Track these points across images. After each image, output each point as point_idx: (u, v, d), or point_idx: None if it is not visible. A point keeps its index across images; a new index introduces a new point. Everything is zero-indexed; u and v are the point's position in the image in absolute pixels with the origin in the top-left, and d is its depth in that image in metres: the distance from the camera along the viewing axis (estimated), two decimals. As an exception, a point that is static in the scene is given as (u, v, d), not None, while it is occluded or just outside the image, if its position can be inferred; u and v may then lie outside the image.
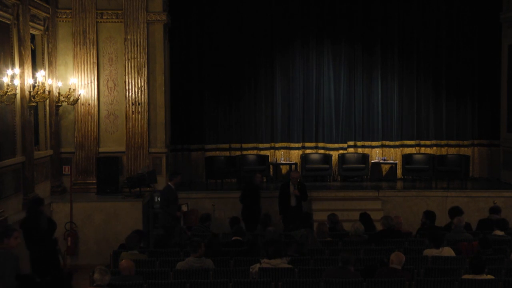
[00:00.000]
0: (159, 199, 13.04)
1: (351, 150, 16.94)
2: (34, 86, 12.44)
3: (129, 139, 14.50)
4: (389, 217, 10.79)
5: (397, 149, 16.98)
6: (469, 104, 17.05)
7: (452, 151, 16.93)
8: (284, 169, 16.79)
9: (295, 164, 16.62)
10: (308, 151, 16.92)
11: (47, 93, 12.87)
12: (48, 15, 13.69)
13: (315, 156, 16.71)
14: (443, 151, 16.94)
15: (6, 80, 10.79)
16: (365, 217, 11.56)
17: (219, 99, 16.83)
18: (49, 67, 13.69)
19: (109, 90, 14.53)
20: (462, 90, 17.02)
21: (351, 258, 8.26)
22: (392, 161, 16.70)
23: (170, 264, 8.93)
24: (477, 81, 16.99)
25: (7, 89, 10.71)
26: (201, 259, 8.69)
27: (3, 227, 7.99)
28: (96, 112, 14.39)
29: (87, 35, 14.23)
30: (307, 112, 16.97)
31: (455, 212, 11.07)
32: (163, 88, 14.76)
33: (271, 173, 16.61)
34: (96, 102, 14.38)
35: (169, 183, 12.61)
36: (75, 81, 14.14)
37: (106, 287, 7.42)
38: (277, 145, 16.92)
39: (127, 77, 14.43)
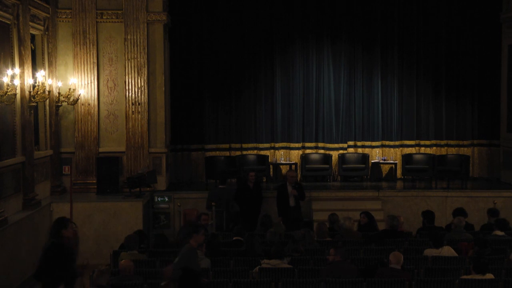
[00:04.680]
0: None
1: (351, 150, 16.94)
2: (34, 86, 12.44)
3: (129, 139, 14.50)
4: (395, 217, 10.76)
5: (397, 149, 16.97)
6: (469, 104, 17.03)
7: (452, 151, 16.92)
8: (284, 169, 16.77)
9: (295, 164, 16.62)
10: (308, 151, 16.92)
11: (47, 93, 12.88)
12: (48, 15, 13.69)
13: (315, 156, 16.71)
14: (443, 151, 16.93)
15: (6, 80, 10.79)
16: (369, 217, 11.57)
17: (219, 99, 16.83)
18: (49, 67, 13.69)
19: (109, 90, 14.53)
20: (462, 90, 17.01)
21: (345, 256, 8.30)
22: (392, 161, 16.70)
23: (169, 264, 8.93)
24: (477, 81, 16.98)
25: (7, 89, 10.71)
26: (200, 253, 8.73)
27: (194, 226, 8.45)
28: (96, 112, 14.39)
29: (87, 35, 14.24)
30: (307, 112, 16.97)
31: (458, 213, 11.07)
32: (163, 88, 14.76)
33: (271, 173, 16.60)
34: (96, 102, 14.38)
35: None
36: (75, 81, 14.14)
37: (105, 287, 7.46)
38: (277, 145, 16.92)
39: (127, 77, 14.43)
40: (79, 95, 14.20)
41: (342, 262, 8.20)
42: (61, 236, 7.67)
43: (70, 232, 7.72)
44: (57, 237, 7.70)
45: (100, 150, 14.44)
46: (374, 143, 16.97)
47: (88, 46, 14.26)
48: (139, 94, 14.47)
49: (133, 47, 14.38)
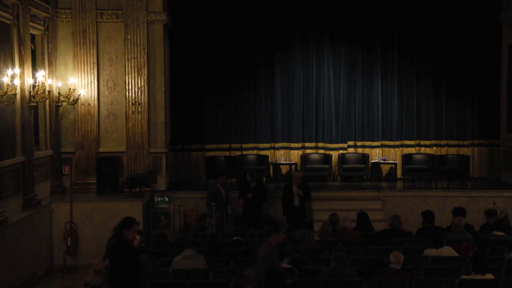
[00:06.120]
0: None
1: (351, 150, 16.93)
2: (34, 86, 12.44)
3: (129, 139, 14.50)
4: (397, 217, 10.75)
5: (397, 149, 16.97)
6: (469, 104, 17.03)
7: (452, 151, 16.91)
8: (284, 169, 16.79)
9: (295, 164, 16.61)
10: (308, 151, 16.91)
11: (47, 93, 12.88)
12: (48, 15, 13.69)
13: (315, 156, 16.70)
14: (443, 151, 16.92)
15: (6, 80, 10.80)
16: (362, 217, 11.56)
17: (219, 99, 16.82)
18: (49, 67, 13.69)
19: (109, 90, 14.53)
20: (462, 90, 17.01)
21: (344, 256, 8.28)
22: (392, 161, 16.69)
23: (170, 264, 8.94)
24: (477, 81, 16.97)
25: (7, 89, 10.72)
26: (193, 251, 8.79)
27: (272, 223, 8.21)
28: (96, 112, 14.39)
29: (87, 35, 14.24)
30: (307, 112, 16.96)
31: (457, 212, 11.07)
32: (163, 88, 14.76)
33: (271, 173, 16.60)
34: (96, 102, 14.38)
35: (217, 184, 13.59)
36: (75, 81, 14.14)
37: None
38: (277, 145, 16.91)
39: (127, 77, 14.43)
40: (79, 95, 14.20)
41: (339, 266, 8.16)
42: (123, 234, 7.73)
43: (130, 234, 7.72)
44: (118, 235, 7.85)
45: (100, 150, 14.44)
46: (374, 143, 16.96)
47: (88, 46, 14.26)
48: (139, 94, 14.47)
49: (133, 47, 14.38)
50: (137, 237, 7.74)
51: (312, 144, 16.99)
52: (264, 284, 7.05)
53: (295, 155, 16.89)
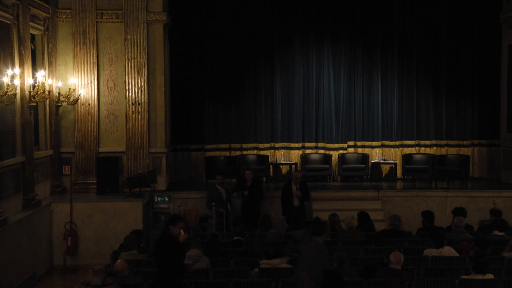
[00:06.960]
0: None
1: (351, 150, 16.93)
2: (34, 86, 12.45)
3: (129, 139, 14.50)
4: (397, 217, 10.75)
5: (397, 149, 16.97)
6: (469, 104, 17.03)
7: (452, 151, 16.91)
8: (284, 169, 16.78)
9: (295, 164, 16.61)
10: (308, 151, 16.91)
11: (47, 93, 12.88)
12: (48, 15, 13.70)
13: (315, 156, 16.70)
14: (443, 151, 16.92)
15: (6, 80, 10.80)
16: (363, 216, 11.56)
17: (219, 99, 16.82)
18: (49, 67, 13.69)
19: (109, 90, 14.54)
20: (462, 90, 17.01)
21: (346, 257, 8.29)
22: (392, 161, 16.69)
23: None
24: (477, 81, 16.97)
25: (7, 89, 10.71)
26: (198, 251, 8.80)
27: (319, 224, 8.37)
28: (96, 112, 14.40)
29: (87, 35, 14.24)
30: (307, 112, 16.96)
31: (457, 212, 11.08)
32: (163, 88, 14.77)
33: (271, 173, 16.60)
34: (96, 102, 14.38)
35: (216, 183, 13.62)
36: (75, 81, 14.15)
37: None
38: (277, 145, 16.91)
39: (127, 77, 14.43)
40: (79, 95, 14.20)
41: (340, 266, 8.16)
42: (169, 230, 7.87)
43: (176, 230, 7.78)
44: (165, 230, 7.98)
45: (100, 150, 14.44)
46: (374, 143, 16.96)
47: (88, 46, 14.26)
48: (139, 94, 14.47)
49: (133, 47, 14.38)
50: (182, 232, 7.81)
51: (312, 144, 16.99)
52: (322, 284, 7.00)
53: (295, 155, 16.89)
